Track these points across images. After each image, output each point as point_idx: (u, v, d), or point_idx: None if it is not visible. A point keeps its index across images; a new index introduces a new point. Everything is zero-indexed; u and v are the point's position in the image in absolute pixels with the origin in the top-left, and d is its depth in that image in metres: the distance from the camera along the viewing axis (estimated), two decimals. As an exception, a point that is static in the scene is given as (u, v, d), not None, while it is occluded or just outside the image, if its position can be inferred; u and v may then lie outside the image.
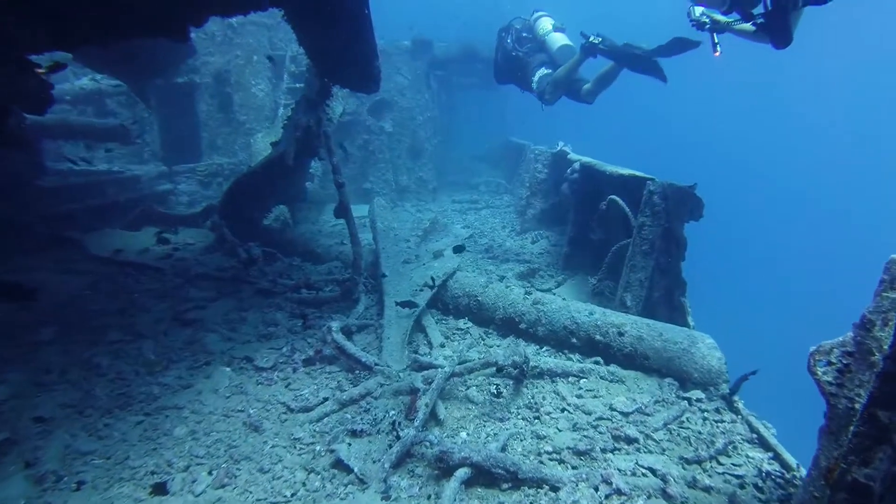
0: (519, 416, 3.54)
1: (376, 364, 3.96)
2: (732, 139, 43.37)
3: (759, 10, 4.12)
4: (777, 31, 4.01)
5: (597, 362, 4.13)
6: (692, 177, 4.41)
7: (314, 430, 3.37)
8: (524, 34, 7.28)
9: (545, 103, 6.84)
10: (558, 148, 7.81)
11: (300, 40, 5.11)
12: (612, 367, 4.02)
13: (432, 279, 5.04)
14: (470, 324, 4.99)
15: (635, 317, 4.16)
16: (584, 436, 3.31)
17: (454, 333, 4.86)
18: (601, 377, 3.94)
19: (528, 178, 8.88)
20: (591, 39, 5.99)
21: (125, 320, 4.69)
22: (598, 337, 4.16)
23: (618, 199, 4.87)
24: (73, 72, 11.19)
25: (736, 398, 3.56)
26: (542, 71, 6.80)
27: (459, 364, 3.85)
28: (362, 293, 5.13)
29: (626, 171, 5.02)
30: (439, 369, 3.67)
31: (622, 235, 5.35)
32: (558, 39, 6.87)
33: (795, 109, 42.24)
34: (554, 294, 6.09)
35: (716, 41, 4.62)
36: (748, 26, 4.35)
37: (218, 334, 4.54)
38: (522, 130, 14.53)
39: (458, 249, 5.32)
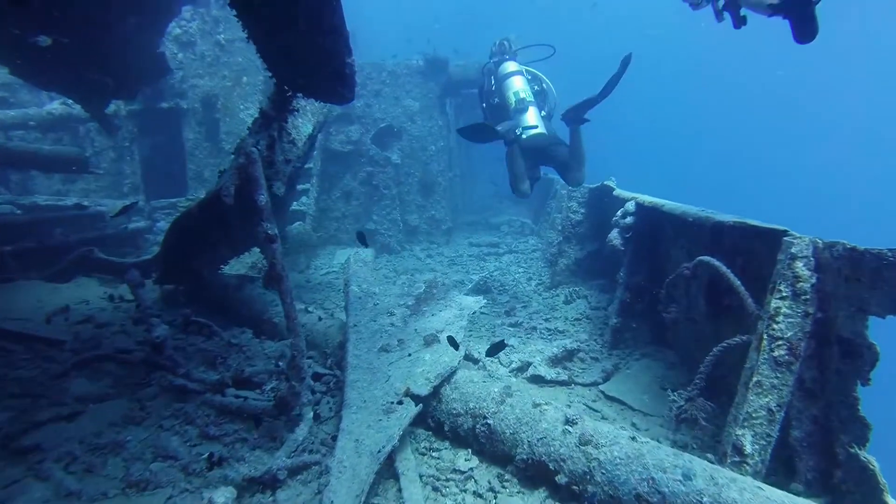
0: None
1: (289, 580, 2.04)
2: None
3: None
4: (800, 21, 3.13)
5: (704, 576, 2.14)
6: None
7: None
8: (495, 99, 5.85)
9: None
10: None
11: (247, 31, 3.39)
12: None
13: (408, 391, 3.14)
14: (475, 461, 3.03)
15: (779, 493, 2.17)
16: None
17: (448, 480, 2.90)
18: None
19: (561, 220, 6.97)
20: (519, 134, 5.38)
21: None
22: (704, 527, 2.18)
23: (718, 263, 2.92)
24: (49, 96, 9.90)
25: None
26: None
27: None
28: (307, 406, 3.22)
29: (727, 218, 3.08)
30: None
31: (721, 321, 3.39)
32: (523, 122, 5.54)
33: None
34: (599, 391, 4.13)
35: (719, 8, 3.65)
36: None
37: (52, 483, 2.67)
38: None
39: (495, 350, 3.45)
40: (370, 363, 3.58)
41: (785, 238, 2.47)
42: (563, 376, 4.26)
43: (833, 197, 37.31)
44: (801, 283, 2.40)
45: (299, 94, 4.26)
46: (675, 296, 3.75)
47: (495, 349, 3.39)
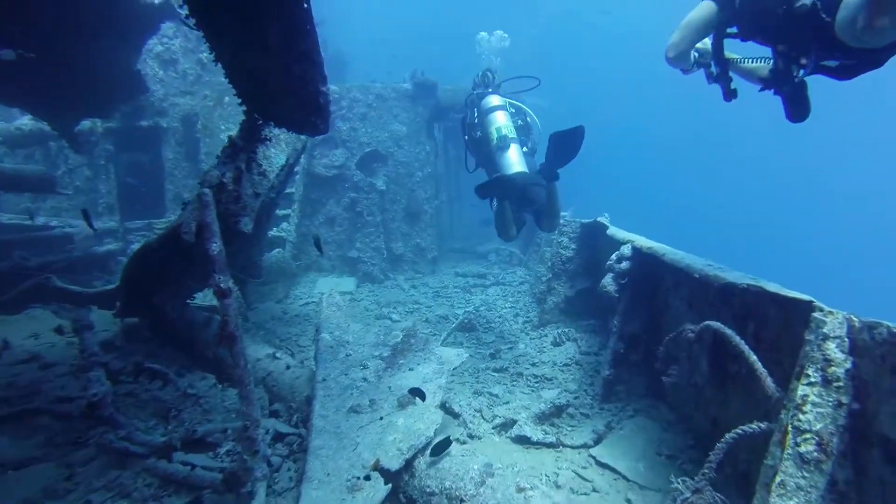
0: None
1: None
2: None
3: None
4: (790, 99, 2.97)
5: None
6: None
7: None
8: (478, 133, 5.46)
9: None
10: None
11: (214, 52, 3.04)
12: None
13: (377, 464, 2.72)
14: (451, 553, 2.62)
15: None
16: None
17: (419, 580, 2.49)
18: None
19: (550, 255, 6.61)
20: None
21: None
22: None
23: (731, 332, 2.55)
24: (21, 111, 9.44)
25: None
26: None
27: None
28: (260, 483, 2.78)
29: (739, 278, 2.72)
30: None
31: (727, 388, 3.02)
32: (504, 166, 5.11)
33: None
34: (590, 455, 3.71)
35: (711, 73, 3.34)
36: (762, 66, 3.09)
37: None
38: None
39: (439, 449, 2.96)
40: (337, 426, 3.16)
41: (815, 315, 2.10)
42: (551, 437, 3.84)
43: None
44: (834, 368, 2.04)
45: (271, 123, 3.92)
46: (675, 355, 3.38)
47: (441, 448, 2.95)
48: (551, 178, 4.72)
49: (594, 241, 5.98)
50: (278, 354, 4.22)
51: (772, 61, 2.98)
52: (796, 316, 2.31)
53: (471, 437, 3.93)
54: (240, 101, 3.63)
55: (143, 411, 3.70)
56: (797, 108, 2.99)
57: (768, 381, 2.28)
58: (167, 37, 8.98)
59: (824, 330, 2.05)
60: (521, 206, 5.14)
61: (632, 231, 5.18)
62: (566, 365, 5.24)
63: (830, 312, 2.10)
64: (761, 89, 3.17)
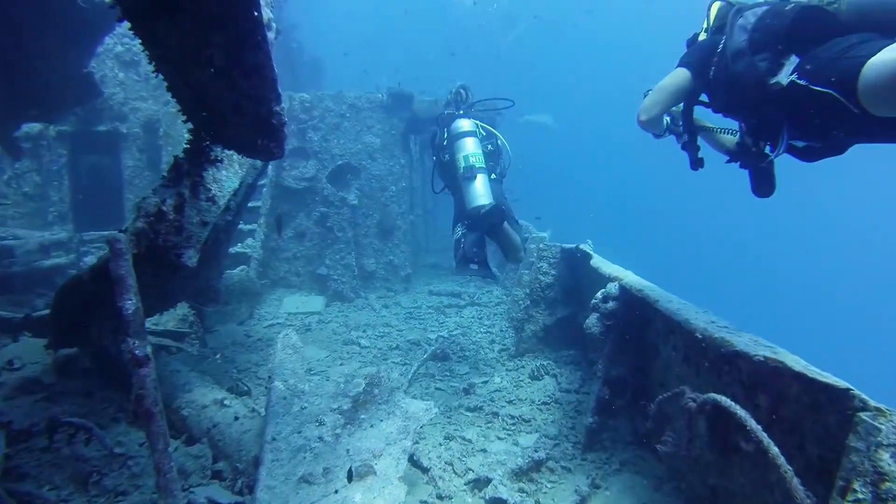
0: None
1: None
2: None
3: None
4: (756, 174, 2.93)
5: None
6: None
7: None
8: (446, 156, 5.17)
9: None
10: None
11: (154, 64, 2.52)
12: None
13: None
14: None
15: None
16: None
17: None
18: None
19: (529, 280, 6.18)
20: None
21: None
22: None
23: (745, 415, 2.13)
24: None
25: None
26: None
27: None
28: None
29: (753, 348, 2.31)
30: None
31: (730, 460, 2.61)
32: (470, 197, 4.90)
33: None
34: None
35: (680, 134, 3.23)
36: (731, 138, 3.03)
37: None
38: (524, 209, 11.59)
39: None
40: (286, 501, 2.65)
41: (862, 416, 1.69)
42: (530, 499, 3.40)
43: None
44: (889, 484, 1.63)
45: (220, 145, 3.41)
46: (666, 412, 2.97)
47: None
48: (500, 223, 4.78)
49: (576, 268, 5.59)
50: (227, 401, 3.68)
51: (739, 135, 2.88)
52: (827, 401, 1.90)
53: (440, 497, 3.46)
54: (184, 118, 3.10)
55: (59, 473, 3.13)
56: (762, 184, 2.92)
57: (795, 484, 1.86)
58: (128, 37, 8.33)
59: (878, 438, 1.64)
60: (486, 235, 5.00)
61: (621, 251, 4.88)
62: (545, 403, 4.82)
63: (880, 411, 1.69)
64: (728, 161, 3.06)
